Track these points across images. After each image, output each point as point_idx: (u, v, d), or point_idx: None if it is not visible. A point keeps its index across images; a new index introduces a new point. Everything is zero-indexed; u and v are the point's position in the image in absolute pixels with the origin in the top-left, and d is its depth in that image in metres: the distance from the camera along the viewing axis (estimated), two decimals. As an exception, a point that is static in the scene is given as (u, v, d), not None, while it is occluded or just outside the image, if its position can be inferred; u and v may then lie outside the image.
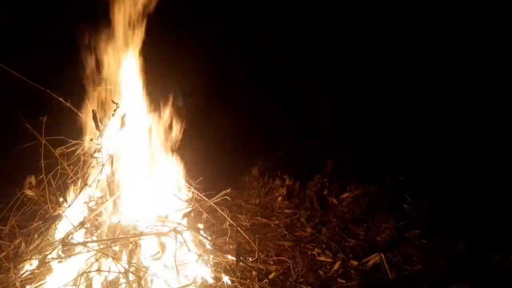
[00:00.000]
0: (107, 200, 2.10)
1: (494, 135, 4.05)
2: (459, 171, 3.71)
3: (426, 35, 4.69)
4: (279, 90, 4.82)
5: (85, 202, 2.14)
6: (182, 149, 2.52)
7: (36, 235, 2.14)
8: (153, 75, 2.49)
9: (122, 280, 1.90)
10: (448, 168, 3.81)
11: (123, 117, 2.14)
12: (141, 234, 1.99)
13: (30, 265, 2.04)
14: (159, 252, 1.95)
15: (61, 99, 2.19)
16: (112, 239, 1.99)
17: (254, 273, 2.26)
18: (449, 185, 3.57)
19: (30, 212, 2.33)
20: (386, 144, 4.31)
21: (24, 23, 4.20)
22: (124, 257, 1.96)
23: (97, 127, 2.13)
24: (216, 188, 2.47)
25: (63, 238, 1.90)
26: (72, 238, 1.94)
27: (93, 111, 2.13)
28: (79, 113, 2.24)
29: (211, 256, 2.39)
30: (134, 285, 1.87)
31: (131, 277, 1.88)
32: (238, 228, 2.58)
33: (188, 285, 2.03)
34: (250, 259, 2.53)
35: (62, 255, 1.92)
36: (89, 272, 1.90)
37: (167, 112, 2.47)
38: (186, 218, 2.20)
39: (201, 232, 2.34)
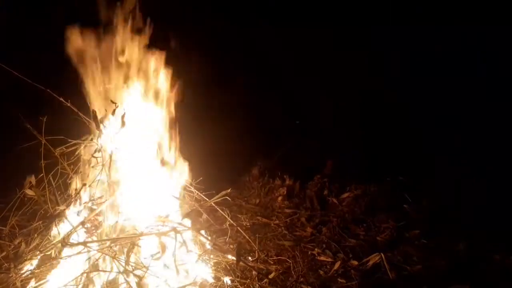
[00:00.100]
0: (106, 200, 2.10)
1: (494, 135, 4.06)
2: (459, 171, 3.71)
3: (426, 35, 4.69)
4: (279, 90, 4.82)
5: (84, 203, 2.14)
6: (182, 149, 2.52)
7: (36, 235, 2.14)
8: (153, 75, 2.48)
9: (122, 280, 1.90)
10: (448, 168, 3.81)
11: (122, 117, 2.14)
12: (141, 234, 2.00)
13: (30, 265, 2.04)
14: (159, 252, 1.95)
15: (61, 99, 2.19)
16: (112, 239, 1.99)
17: (254, 272, 2.26)
18: (449, 185, 3.57)
19: (30, 212, 2.33)
20: (386, 144, 4.31)
21: (24, 23, 4.20)
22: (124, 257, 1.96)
23: (97, 127, 2.14)
24: (216, 188, 2.47)
25: (63, 238, 1.90)
26: (73, 238, 1.94)
27: (93, 111, 2.13)
28: (79, 113, 2.24)
29: (211, 256, 2.39)
30: (134, 285, 1.87)
31: (131, 277, 1.88)
32: (238, 228, 2.58)
33: (188, 285, 2.03)
34: (250, 258, 2.54)
35: (62, 255, 1.92)
36: (89, 272, 1.90)
37: (167, 110, 2.47)
38: (186, 218, 2.20)
39: (201, 232, 2.33)
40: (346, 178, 3.78)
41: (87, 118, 2.21)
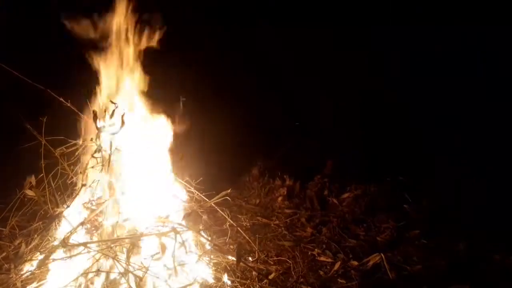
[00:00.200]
0: (106, 201, 2.10)
1: (494, 135, 4.06)
2: (459, 171, 3.71)
3: (426, 35, 4.69)
4: (279, 90, 4.82)
5: (84, 203, 2.14)
6: (182, 149, 2.52)
7: (36, 236, 2.14)
8: (153, 75, 2.49)
9: (123, 281, 1.90)
10: (448, 168, 3.82)
11: (122, 116, 2.14)
12: (141, 234, 1.99)
13: (30, 266, 2.04)
14: (159, 253, 1.95)
15: (61, 99, 2.19)
16: (112, 239, 1.99)
17: (254, 273, 2.26)
18: (449, 185, 3.57)
19: (30, 213, 2.33)
20: (386, 144, 4.31)
21: (24, 23, 4.20)
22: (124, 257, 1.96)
23: (97, 127, 2.13)
24: (216, 188, 2.47)
25: (64, 239, 1.89)
26: (73, 239, 1.94)
27: (93, 111, 2.13)
28: (79, 113, 2.24)
29: (212, 256, 2.39)
30: (134, 285, 1.87)
31: (131, 277, 1.88)
32: (238, 228, 2.58)
33: (188, 285, 2.03)
34: (250, 259, 2.53)
35: (63, 256, 1.92)
36: (90, 272, 1.90)
37: (167, 112, 2.47)
38: (186, 219, 2.20)
39: (201, 232, 2.33)
40: (346, 178, 3.78)
41: (87, 118, 2.21)
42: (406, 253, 2.70)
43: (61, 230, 2.09)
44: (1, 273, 1.92)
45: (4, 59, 2.12)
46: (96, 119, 2.11)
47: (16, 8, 4.23)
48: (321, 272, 2.48)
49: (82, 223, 1.99)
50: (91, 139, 2.17)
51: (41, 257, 1.97)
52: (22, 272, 1.98)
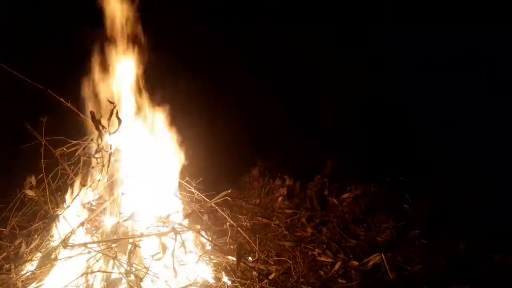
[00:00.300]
0: (106, 201, 2.10)
1: (494, 135, 4.06)
2: (459, 171, 3.71)
3: (426, 35, 4.69)
4: (279, 90, 4.82)
5: (84, 204, 2.14)
6: (182, 150, 2.52)
7: (36, 236, 2.14)
8: (153, 75, 2.49)
9: (123, 281, 1.90)
10: (448, 168, 3.82)
11: (116, 114, 2.13)
12: (141, 235, 1.99)
13: (31, 266, 2.04)
14: (159, 253, 1.95)
15: (61, 99, 2.19)
16: (112, 240, 1.99)
17: (254, 273, 2.26)
18: (449, 185, 3.57)
19: (30, 213, 2.32)
20: (386, 144, 4.31)
21: (24, 23, 4.19)
22: (124, 257, 1.96)
23: (96, 127, 2.13)
24: (216, 189, 2.47)
25: (64, 239, 1.89)
26: (73, 239, 1.94)
27: (91, 112, 2.13)
28: (79, 113, 2.24)
29: (212, 257, 2.39)
30: (134, 285, 1.87)
31: (131, 277, 1.88)
32: (239, 229, 2.58)
33: (188, 285, 2.03)
34: (250, 259, 2.53)
35: (63, 256, 1.92)
36: (90, 272, 1.90)
37: (166, 111, 2.47)
38: (186, 219, 2.20)
39: (202, 232, 2.33)
40: (346, 178, 3.78)
41: (86, 118, 2.21)
42: (406, 253, 2.71)
43: (61, 230, 2.09)
44: (2, 273, 1.92)
45: (4, 59, 2.12)
46: (94, 119, 2.11)
47: (16, 8, 4.22)
48: (322, 272, 2.48)
49: (82, 223, 1.99)
50: (91, 139, 2.17)
51: (41, 257, 1.97)
52: (22, 272, 1.98)
